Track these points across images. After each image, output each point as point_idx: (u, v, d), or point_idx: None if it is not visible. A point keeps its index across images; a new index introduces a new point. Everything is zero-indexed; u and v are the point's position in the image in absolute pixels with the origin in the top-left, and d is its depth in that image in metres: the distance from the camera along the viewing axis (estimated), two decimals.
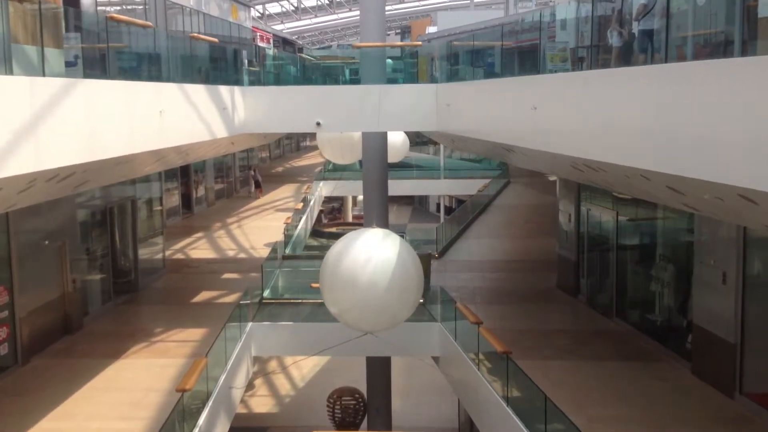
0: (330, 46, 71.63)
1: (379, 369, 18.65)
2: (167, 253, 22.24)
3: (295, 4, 56.95)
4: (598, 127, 8.64)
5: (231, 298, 17.84)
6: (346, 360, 21.01)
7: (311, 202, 29.61)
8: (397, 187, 29.13)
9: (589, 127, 8.87)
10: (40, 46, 8.40)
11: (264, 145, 42.33)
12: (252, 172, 36.89)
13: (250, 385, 19.57)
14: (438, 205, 46.95)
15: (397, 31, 72.50)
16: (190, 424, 10.87)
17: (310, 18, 61.89)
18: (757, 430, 10.99)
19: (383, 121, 15.79)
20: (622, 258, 16.44)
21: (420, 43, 25.30)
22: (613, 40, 9.33)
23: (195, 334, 15.53)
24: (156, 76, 12.50)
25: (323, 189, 33.24)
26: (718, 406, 11.76)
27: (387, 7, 27.70)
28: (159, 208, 22.00)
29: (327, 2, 58.69)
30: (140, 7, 23.30)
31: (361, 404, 18.53)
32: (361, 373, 19.24)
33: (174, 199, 28.33)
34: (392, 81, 17.36)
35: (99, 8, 19.32)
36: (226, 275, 21.07)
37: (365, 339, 13.74)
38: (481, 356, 13.21)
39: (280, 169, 45.81)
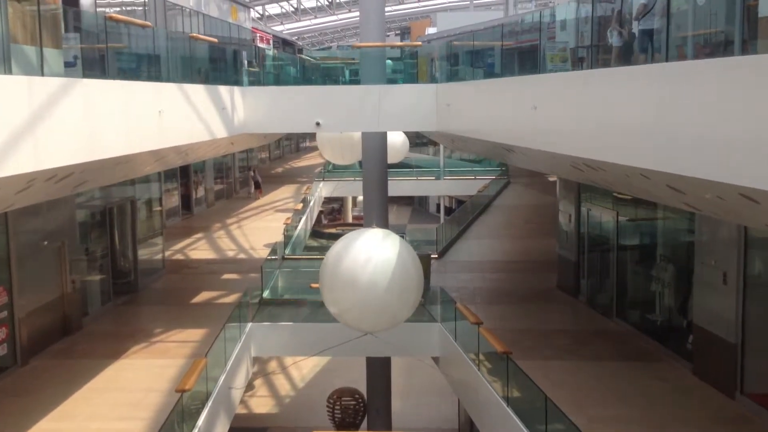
0: (330, 47, 71.59)
1: (379, 369, 18.63)
2: (167, 253, 22.23)
3: (295, 5, 56.91)
4: (598, 127, 8.62)
5: (231, 299, 17.83)
6: (346, 360, 21.00)
7: (311, 203, 29.59)
8: (397, 187, 29.20)
9: (589, 127, 8.86)
10: (39, 46, 8.38)
11: (264, 146, 42.31)
12: (252, 173, 36.83)
13: (249, 386, 19.55)
14: (438, 205, 46.93)
15: (397, 32, 72.56)
16: (189, 425, 10.86)
17: (310, 19, 61.84)
18: (757, 430, 10.97)
19: (383, 121, 15.78)
20: (623, 258, 16.42)
21: (420, 43, 25.26)
22: (613, 40, 9.31)
23: (195, 334, 15.52)
24: (155, 77, 12.48)
25: (323, 189, 33.24)
26: (718, 406, 11.74)
27: (387, 8, 27.66)
28: (158, 208, 21.98)
29: (327, 3, 58.67)
30: (140, 8, 23.27)
31: (361, 405, 18.51)
32: (361, 373, 19.23)
33: (174, 200, 28.31)
34: (392, 81, 17.34)
35: (98, 8, 19.29)
36: (226, 276, 21.06)
37: (365, 339, 13.72)
38: (481, 356, 13.19)
39: (279, 169, 45.75)
